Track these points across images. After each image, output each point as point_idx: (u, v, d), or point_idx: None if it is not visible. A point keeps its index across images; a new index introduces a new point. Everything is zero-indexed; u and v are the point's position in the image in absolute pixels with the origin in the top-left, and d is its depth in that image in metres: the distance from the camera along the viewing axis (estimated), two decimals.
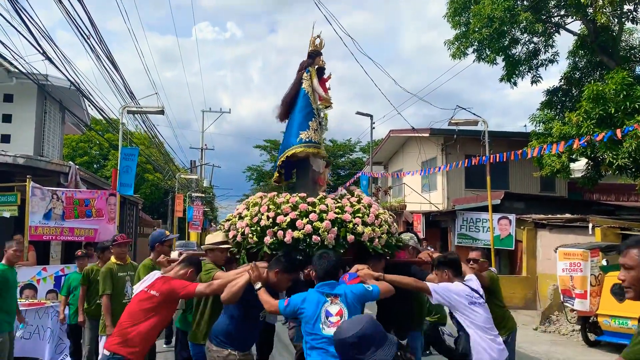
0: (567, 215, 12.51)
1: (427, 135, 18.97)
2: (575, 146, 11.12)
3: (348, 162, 39.74)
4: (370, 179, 20.56)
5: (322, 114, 5.32)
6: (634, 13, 13.30)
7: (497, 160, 12.59)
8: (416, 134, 19.42)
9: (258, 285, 3.90)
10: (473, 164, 13.59)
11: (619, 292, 8.78)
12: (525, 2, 14.39)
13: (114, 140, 18.30)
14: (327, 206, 4.47)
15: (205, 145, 39.48)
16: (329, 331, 3.45)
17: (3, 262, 5.77)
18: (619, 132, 9.98)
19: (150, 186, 30.25)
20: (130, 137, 21.84)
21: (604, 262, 9.75)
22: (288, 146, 5.08)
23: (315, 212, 4.39)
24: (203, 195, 35.82)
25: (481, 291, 4.20)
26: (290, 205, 4.48)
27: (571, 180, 15.80)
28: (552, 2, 14.78)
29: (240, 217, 4.68)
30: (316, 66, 5.32)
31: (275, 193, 4.75)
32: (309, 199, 4.57)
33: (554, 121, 13.37)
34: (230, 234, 4.68)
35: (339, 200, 4.66)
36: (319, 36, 5.37)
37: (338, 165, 39.35)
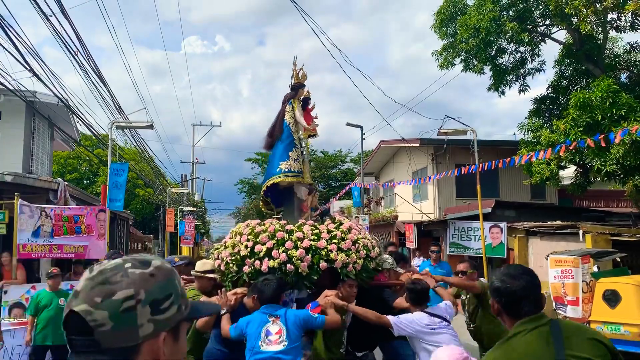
0: (558, 223, 12.55)
1: (417, 145, 19.05)
2: (562, 152, 11.20)
3: (339, 173, 39.78)
4: (362, 190, 20.57)
5: (303, 144, 5.57)
6: (618, 21, 13.50)
7: (487, 168, 12.65)
8: (406, 144, 19.50)
9: (223, 311, 4.17)
10: (463, 173, 13.64)
11: (611, 298, 8.79)
12: (510, 13, 14.55)
13: (104, 156, 18.22)
14: (303, 233, 4.64)
15: (196, 159, 39.37)
16: (267, 348, 3.76)
17: None
18: (602, 138, 10.08)
19: (141, 201, 30.08)
20: (120, 153, 21.76)
21: (595, 269, 9.78)
22: (269, 176, 5.39)
23: (291, 240, 4.56)
24: (195, 209, 35.64)
25: (447, 315, 4.26)
26: (269, 234, 4.67)
27: (561, 187, 15.90)
28: (537, 12, 14.96)
29: (226, 247, 4.90)
30: (301, 97, 5.62)
31: (258, 222, 4.97)
32: (288, 227, 4.75)
33: (542, 129, 13.48)
34: (216, 263, 4.94)
35: (317, 227, 4.80)
36: (301, 69, 5.67)
37: (329, 177, 39.37)
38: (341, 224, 4.97)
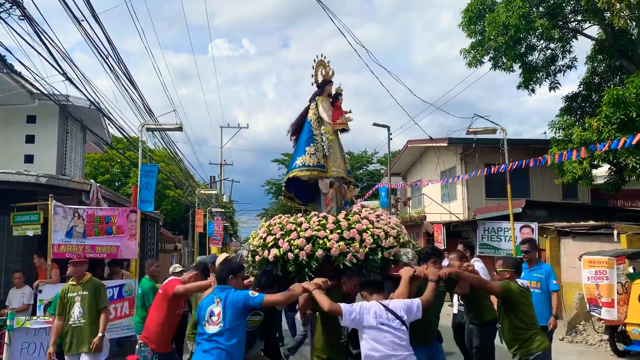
0: (591, 223, 12.27)
1: (446, 144, 18.86)
2: (598, 152, 10.95)
3: (366, 174, 39.66)
4: (389, 191, 20.46)
5: (324, 139, 5.65)
6: None
7: (517, 168, 12.44)
8: (434, 144, 19.32)
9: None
10: (493, 172, 13.45)
11: None
12: (540, 9, 14.29)
13: (135, 158, 18.54)
14: (309, 224, 4.82)
15: (224, 160, 39.70)
16: (209, 329, 4.01)
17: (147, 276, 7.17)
18: (638, 136, 9.78)
19: (171, 202, 30.47)
20: (151, 155, 22.07)
21: (630, 270, 9.52)
22: (288, 172, 5.63)
23: (297, 230, 4.77)
24: (223, 210, 35.97)
25: (401, 314, 4.00)
26: (280, 225, 4.93)
27: (594, 186, 15.54)
28: (568, 8, 14.67)
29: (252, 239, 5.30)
30: (327, 94, 5.75)
31: (279, 216, 5.23)
32: (299, 219, 4.96)
33: (574, 127, 13.21)
34: (244, 253, 5.60)
35: (326, 218, 4.93)
36: (328, 65, 5.79)
37: (356, 177, 39.29)
38: (352, 214, 5.01)
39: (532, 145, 18.09)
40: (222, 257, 5.91)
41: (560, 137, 14.03)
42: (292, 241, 4.68)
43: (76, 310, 5.62)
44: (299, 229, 4.79)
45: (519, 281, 4.97)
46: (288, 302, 4.46)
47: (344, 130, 5.76)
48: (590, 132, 11.96)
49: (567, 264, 12.39)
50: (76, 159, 14.97)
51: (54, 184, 9.44)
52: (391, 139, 20.72)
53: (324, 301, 4.07)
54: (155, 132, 15.07)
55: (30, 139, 13.56)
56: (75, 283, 5.76)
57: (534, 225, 12.99)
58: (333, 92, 5.78)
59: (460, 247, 7.04)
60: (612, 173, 13.91)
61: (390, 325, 3.91)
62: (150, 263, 7.51)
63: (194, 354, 4.20)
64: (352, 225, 4.77)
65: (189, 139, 72.64)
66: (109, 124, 14.92)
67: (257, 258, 4.88)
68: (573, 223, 12.72)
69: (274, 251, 4.70)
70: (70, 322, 5.62)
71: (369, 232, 4.75)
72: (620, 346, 9.00)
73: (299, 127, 5.76)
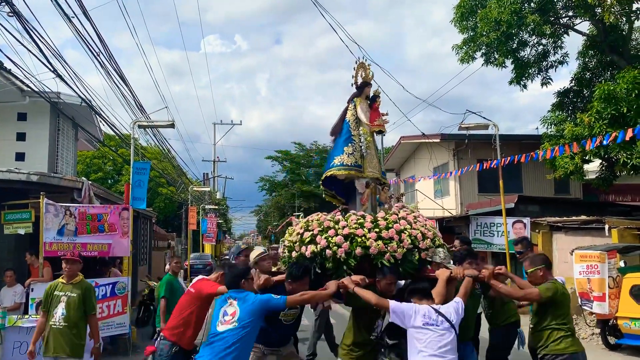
0: (583, 217, 12.35)
1: (438, 140, 18.90)
2: (588, 146, 11.01)
3: None
4: None
5: (362, 139, 5.72)
6: None
7: (509, 163, 12.50)
8: (427, 140, 19.36)
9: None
10: (485, 168, 13.50)
11: (638, 294, 8.64)
12: (532, 4, 14.32)
13: (127, 156, 18.48)
14: (347, 222, 4.85)
15: (217, 157, 39.63)
16: (221, 328, 4.00)
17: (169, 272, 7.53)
18: (629, 132, 9.84)
19: (164, 200, 30.40)
20: (143, 152, 21.98)
21: (621, 264, 9.60)
22: (325, 170, 5.74)
23: (335, 228, 4.79)
24: (216, 207, 35.92)
25: (451, 316, 3.98)
26: (318, 222, 4.98)
27: (585, 181, 15.63)
28: (560, 4, 14.71)
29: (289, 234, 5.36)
30: (365, 96, 5.90)
31: (317, 213, 5.28)
32: (337, 217, 5.03)
33: (566, 123, 13.27)
34: (280, 250, 5.49)
35: (364, 217, 4.97)
36: (369, 67, 5.96)
37: None
38: (391, 214, 5.06)
39: (524, 140, 18.17)
40: (256, 251, 5.61)
41: (552, 133, 14.09)
42: (330, 238, 4.71)
43: (59, 311, 5.31)
44: (336, 226, 4.82)
45: (558, 279, 4.76)
46: (315, 301, 4.48)
47: (380, 132, 5.91)
48: (582, 127, 12.02)
49: (559, 259, 12.47)
50: (68, 157, 14.89)
51: (46, 182, 9.38)
52: (384, 135, 20.72)
53: (370, 296, 4.12)
54: (147, 129, 15.01)
55: (21, 137, 13.47)
56: (65, 282, 5.50)
57: (527, 220, 13.07)
58: (371, 95, 5.93)
59: (456, 242, 6.99)
60: (603, 168, 14.00)
61: (437, 327, 3.91)
62: (171, 260, 8.16)
63: (199, 352, 4.16)
64: (390, 225, 4.82)
65: (181, 136, 72.53)
66: (100, 122, 14.86)
67: (294, 254, 4.92)
68: (565, 218, 12.80)
69: (312, 247, 4.74)
70: (51, 323, 5.30)
71: (406, 232, 4.79)
72: (612, 340, 9.08)
73: (338, 128, 5.87)
